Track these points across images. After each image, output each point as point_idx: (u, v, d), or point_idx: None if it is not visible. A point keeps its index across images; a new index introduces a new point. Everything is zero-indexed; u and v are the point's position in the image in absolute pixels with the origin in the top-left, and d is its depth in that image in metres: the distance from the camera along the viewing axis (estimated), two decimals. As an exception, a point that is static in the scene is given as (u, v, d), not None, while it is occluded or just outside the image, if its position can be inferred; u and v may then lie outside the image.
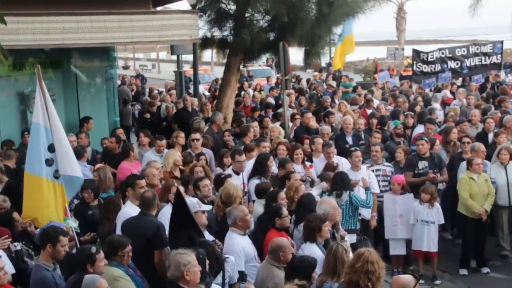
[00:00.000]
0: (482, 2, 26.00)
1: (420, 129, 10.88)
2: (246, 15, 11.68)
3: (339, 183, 7.68)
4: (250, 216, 6.12)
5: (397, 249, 8.50)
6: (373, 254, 4.13)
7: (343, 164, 8.96)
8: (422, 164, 8.93)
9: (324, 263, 5.01)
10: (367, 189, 8.07)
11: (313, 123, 11.48)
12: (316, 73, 23.77)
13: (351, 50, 19.23)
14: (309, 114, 11.79)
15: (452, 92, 16.93)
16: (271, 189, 7.16)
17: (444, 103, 15.95)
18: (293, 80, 21.35)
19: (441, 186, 9.23)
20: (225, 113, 12.05)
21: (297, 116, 11.72)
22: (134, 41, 10.30)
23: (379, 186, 8.80)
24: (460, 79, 19.38)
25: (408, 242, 8.54)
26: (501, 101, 13.09)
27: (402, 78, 22.05)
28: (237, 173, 8.08)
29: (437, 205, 8.44)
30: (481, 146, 9.04)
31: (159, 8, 12.77)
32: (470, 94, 14.57)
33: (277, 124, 11.53)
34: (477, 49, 18.13)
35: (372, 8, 11.66)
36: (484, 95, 16.64)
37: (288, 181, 7.35)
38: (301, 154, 8.81)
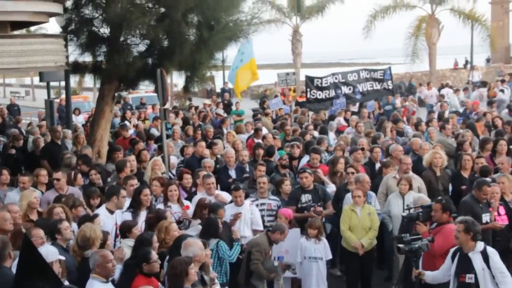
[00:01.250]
0: (375, 25, 27.93)
1: (307, 159, 11.30)
2: (122, 39, 11.68)
3: (205, 230, 7.68)
4: (114, 261, 6.07)
5: (282, 288, 8.73)
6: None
7: (225, 198, 9.17)
8: (306, 198, 9.27)
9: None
10: (237, 240, 8.13)
11: (207, 152, 11.68)
12: (207, 101, 24.09)
13: (255, 77, 19.86)
14: (203, 143, 11.97)
15: (346, 119, 17.79)
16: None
17: (339, 131, 16.71)
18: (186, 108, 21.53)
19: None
20: (98, 146, 11.89)
21: (187, 149, 11.90)
22: (-12, 67, 9.91)
23: (264, 221, 9.03)
24: (357, 105, 20.48)
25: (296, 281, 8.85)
26: (390, 128, 13.99)
27: (297, 104, 22.96)
28: (112, 212, 8.00)
29: (324, 240, 8.80)
30: (365, 177, 9.53)
31: (19, 32, 12.41)
32: (360, 122, 15.40)
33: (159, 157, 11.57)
34: (368, 74, 19.45)
35: (255, 33, 12.14)
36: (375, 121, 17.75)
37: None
38: (176, 191, 8.81)
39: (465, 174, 10.43)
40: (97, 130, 12.01)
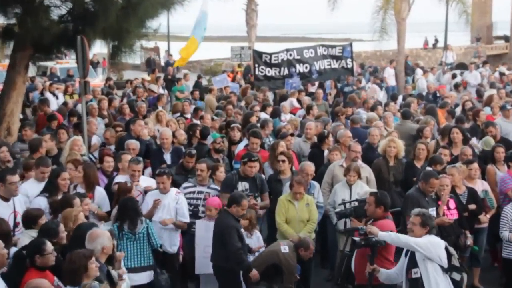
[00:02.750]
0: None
1: (243, 145, 11.40)
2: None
3: (122, 212, 7.84)
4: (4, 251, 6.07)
5: (210, 286, 8.86)
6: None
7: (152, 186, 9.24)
8: (243, 186, 9.41)
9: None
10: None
11: (145, 132, 11.70)
12: (145, 75, 23.99)
13: (193, 48, 19.86)
14: (141, 122, 11.97)
15: (299, 101, 17.98)
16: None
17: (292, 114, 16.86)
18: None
19: None
20: (8, 122, 11.73)
21: (119, 129, 11.86)
22: None
23: (198, 211, 9.16)
24: (316, 84, 20.69)
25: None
26: (340, 112, 14.21)
27: (250, 82, 23.03)
28: (6, 199, 7.92)
29: (257, 233, 8.98)
30: (307, 167, 9.76)
31: None
32: (313, 104, 15.59)
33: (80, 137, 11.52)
34: (325, 50, 19.56)
35: (190, 0, 12.11)
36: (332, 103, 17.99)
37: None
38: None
39: (419, 164, 10.73)
40: (7, 103, 11.81)
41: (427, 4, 29.85)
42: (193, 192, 9.32)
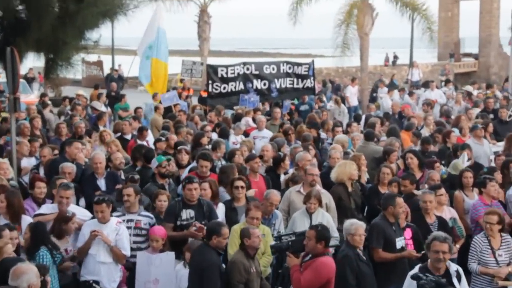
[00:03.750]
0: (302, 8, 28.25)
1: (191, 167, 11.31)
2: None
3: (33, 238, 7.77)
4: None
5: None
6: None
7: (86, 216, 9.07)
8: (187, 214, 9.24)
9: None
10: None
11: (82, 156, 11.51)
12: (81, 91, 23.62)
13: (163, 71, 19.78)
14: (78, 144, 11.77)
15: (255, 120, 17.90)
16: None
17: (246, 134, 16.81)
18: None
19: None
20: None
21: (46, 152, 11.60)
22: None
23: (130, 242, 8.89)
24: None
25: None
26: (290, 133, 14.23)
27: (201, 100, 22.96)
28: None
29: (206, 267, 8.81)
30: (273, 196, 9.58)
31: None
32: (274, 124, 15.59)
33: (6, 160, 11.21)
34: (290, 68, 19.62)
35: (136, 9, 11.99)
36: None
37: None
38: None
39: (383, 189, 10.75)
40: None
41: (392, 19, 30.33)
42: (123, 221, 9.03)
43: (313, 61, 20.57)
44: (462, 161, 11.97)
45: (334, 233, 9.74)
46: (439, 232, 7.34)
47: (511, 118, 12.54)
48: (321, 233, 7.48)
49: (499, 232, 8.87)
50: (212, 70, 18.82)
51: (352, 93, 26.00)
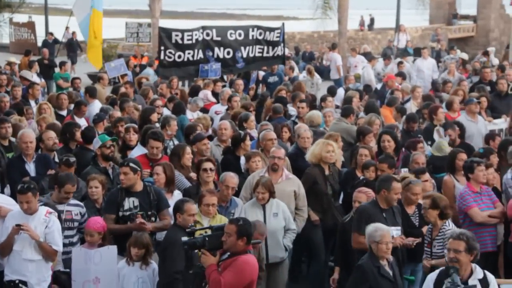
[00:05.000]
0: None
1: (140, 150, 11.28)
2: None
3: None
4: None
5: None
6: None
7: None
8: (130, 203, 9.24)
9: None
10: None
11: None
12: (13, 58, 23.36)
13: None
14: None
15: (215, 94, 17.93)
16: None
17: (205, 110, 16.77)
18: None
19: None
20: None
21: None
22: None
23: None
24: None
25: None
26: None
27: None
28: None
29: (153, 264, 8.80)
30: (229, 178, 9.62)
31: None
32: (235, 95, 15.60)
33: None
34: (260, 34, 19.55)
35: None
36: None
37: None
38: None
39: (361, 174, 10.85)
40: None
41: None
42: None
43: (283, 24, 20.54)
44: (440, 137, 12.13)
45: (292, 225, 9.89)
46: (455, 229, 7.45)
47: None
48: (243, 228, 7.37)
49: (441, 219, 9.03)
50: (165, 35, 18.67)
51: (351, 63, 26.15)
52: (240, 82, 18.11)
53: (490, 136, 12.76)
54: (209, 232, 7.59)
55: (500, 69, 21.49)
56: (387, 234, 8.02)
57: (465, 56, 25.97)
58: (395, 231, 8.89)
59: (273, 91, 17.98)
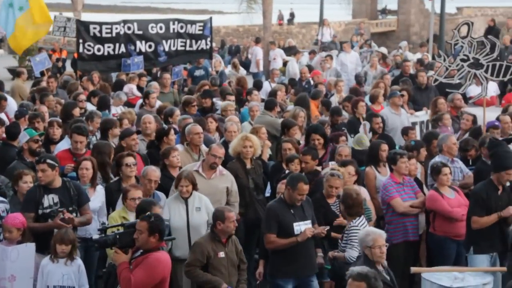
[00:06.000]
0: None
1: (65, 144, 11.16)
2: None
3: None
4: None
5: None
6: None
7: None
8: (50, 200, 9.06)
9: None
10: None
11: None
12: None
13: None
14: None
15: (141, 89, 17.79)
16: None
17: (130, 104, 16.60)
18: None
19: None
20: None
21: None
22: None
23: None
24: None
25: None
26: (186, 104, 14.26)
27: (74, 64, 22.41)
28: None
29: (78, 261, 8.68)
30: (151, 172, 9.57)
31: None
32: (151, 92, 15.44)
33: None
34: (182, 27, 19.47)
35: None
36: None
37: None
38: None
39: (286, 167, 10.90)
40: None
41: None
42: None
43: (210, 18, 20.48)
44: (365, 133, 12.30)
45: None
46: (354, 268, 6.61)
47: (437, 83, 12.82)
48: (155, 224, 7.31)
49: (350, 216, 9.14)
50: (83, 28, 18.41)
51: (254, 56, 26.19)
52: (168, 76, 18.00)
53: (404, 131, 13.03)
54: (121, 229, 7.53)
55: (419, 62, 21.90)
56: (379, 237, 7.79)
57: (384, 50, 26.31)
58: (303, 225, 8.97)
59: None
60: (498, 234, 9.53)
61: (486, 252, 9.47)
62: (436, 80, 12.83)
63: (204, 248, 8.53)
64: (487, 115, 13.06)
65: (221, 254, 8.55)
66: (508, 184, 9.57)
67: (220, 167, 10.40)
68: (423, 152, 11.33)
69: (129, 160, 10.05)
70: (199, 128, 11.51)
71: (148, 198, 9.07)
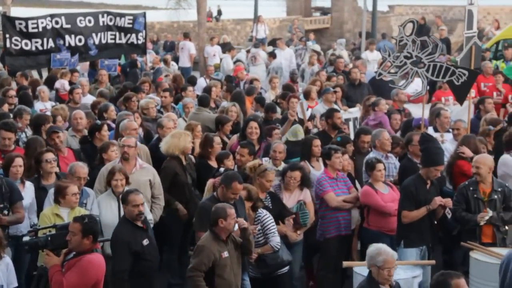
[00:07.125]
0: None
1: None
2: None
3: None
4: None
5: None
6: None
7: None
8: None
9: None
10: None
11: None
12: None
13: None
14: None
15: (73, 84, 17.53)
16: None
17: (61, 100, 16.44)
18: None
19: None
20: None
21: None
22: None
23: None
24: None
25: None
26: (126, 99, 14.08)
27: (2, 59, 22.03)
28: None
29: (6, 259, 8.35)
30: (79, 168, 9.51)
31: None
32: (77, 87, 15.43)
33: None
34: (111, 20, 19.28)
35: None
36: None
37: None
38: None
39: (215, 163, 10.99)
40: None
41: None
42: None
43: (144, 13, 20.33)
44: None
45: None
46: None
47: (381, 77, 12.94)
48: (88, 226, 7.24)
49: (253, 211, 9.36)
50: (9, 23, 18.11)
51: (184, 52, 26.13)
52: (104, 72, 17.86)
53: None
54: (53, 231, 7.41)
55: (357, 59, 22.17)
56: (391, 259, 7.41)
57: (317, 47, 26.50)
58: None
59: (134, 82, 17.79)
60: (427, 228, 9.71)
61: (416, 246, 9.64)
62: (380, 74, 12.90)
63: (210, 252, 8.12)
64: (416, 112, 13.30)
65: (225, 254, 8.23)
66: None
67: (139, 161, 10.38)
68: (349, 147, 11.43)
69: (49, 156, 9.92)
70: (134, 124, 11.48)
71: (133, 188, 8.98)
